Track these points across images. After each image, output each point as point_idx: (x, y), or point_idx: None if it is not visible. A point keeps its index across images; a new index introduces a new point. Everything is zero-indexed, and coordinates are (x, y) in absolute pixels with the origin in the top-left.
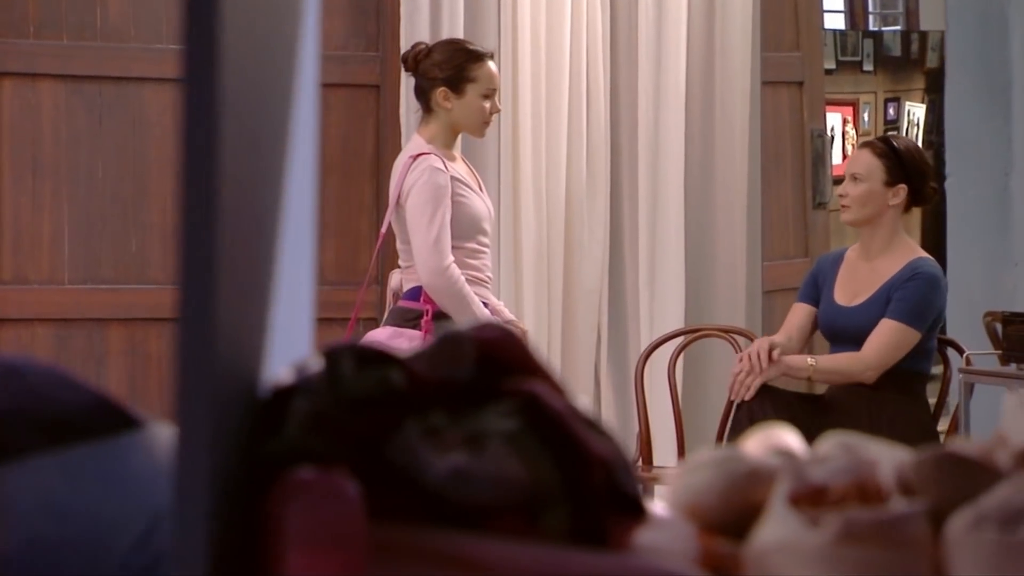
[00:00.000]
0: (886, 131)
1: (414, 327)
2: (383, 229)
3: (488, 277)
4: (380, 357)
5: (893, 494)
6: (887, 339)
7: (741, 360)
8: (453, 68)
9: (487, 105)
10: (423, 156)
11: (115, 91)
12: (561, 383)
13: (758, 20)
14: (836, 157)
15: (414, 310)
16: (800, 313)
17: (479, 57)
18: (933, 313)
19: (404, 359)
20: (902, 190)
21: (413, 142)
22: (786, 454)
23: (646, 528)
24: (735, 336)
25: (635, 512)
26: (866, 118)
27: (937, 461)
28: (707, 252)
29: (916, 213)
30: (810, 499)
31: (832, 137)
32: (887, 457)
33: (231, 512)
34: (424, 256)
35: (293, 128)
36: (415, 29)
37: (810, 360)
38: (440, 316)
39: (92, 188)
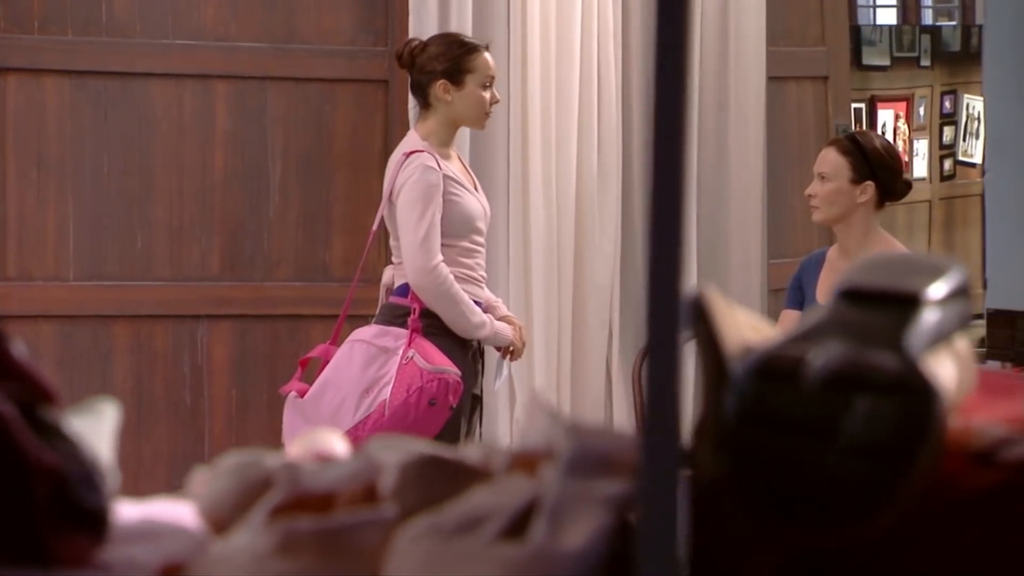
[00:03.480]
0: (941, 125)
1: (402, 324)
2: (375, 226)
3: (482, 276)
4: None
5: (385, 499)
6: None
7: None
8: (451, 60)
9: (486, 96)
10: (416, 154)
11: (120, 86)
12: (45, 386)
13: (765, 13)
14: None
15: (402, 307)
16: (789, 322)
17: (475, 48)
18: None
19: None
20: (869, 187)
21: (408, 139)
22: (289, 460)
23: (131, 541)
24: None
25: (96, 526)
26: (921, 112)
27: (422, 465)
28: (720, 249)
29: (974, 208)
30: (315, 505)
31: (883, 134)
32: (397, 460)
33: None
34: (411, 255)
35: None
36: (423, 24)
37: None
38: (428, 314)
39: (97, 184)
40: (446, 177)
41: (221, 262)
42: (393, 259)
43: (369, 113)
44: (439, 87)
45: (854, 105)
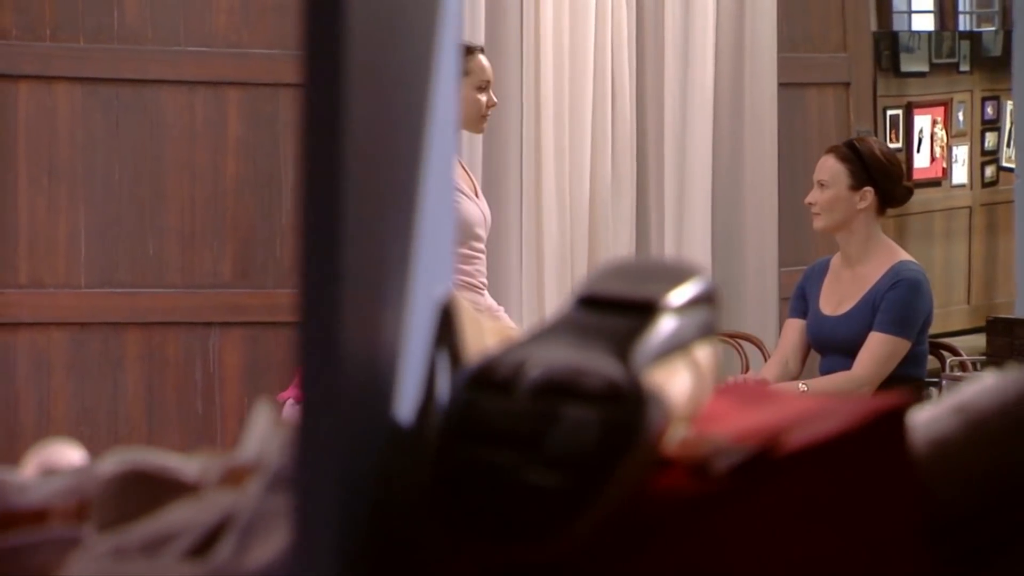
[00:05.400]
0: (983, 131)
1: None
2: None
3: (482, 283)
4: None
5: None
6: (878, 353)
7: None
8: None
9: (483, 99)
10: None
11: (132, 93)
12: None
13: (776, 20)
14: (923, 160)
15: None
16: (792, 331)
17: (469, 51)
18: (920, 318)
19: None
20: (869, 193)
21: None
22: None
23: None
24: (740, 341)
25: None
26: (960, 118)
27: (124, 479)
28: (736, 256)
29: None
30: (22, 522)
31: (920, 140)
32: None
33: None
34: None
35: None
36: None
37: (802, 386)
38: None
39: (109, 191)
40: None
41: (233, 269)
42: None
43: None
44: None
45: (890, 111)
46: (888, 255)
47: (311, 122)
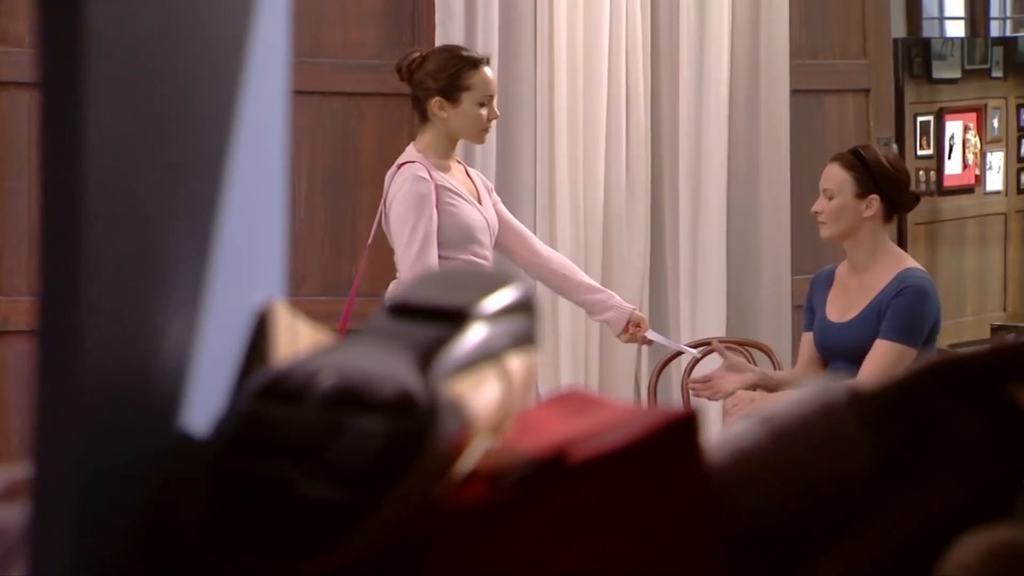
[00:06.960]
0: (1019, 137)
1: None
2: (370, 240)
3: None
4: None
5: None
6: (884, 360)
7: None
8: (447, 77)
9: (484, 112)
10: (407, 165)
11: None
12: None
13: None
14: (955, 167)
15: None
16: (809, 345)
17: (474, 64)
18: (926, 325)
19: None
20: (875, 201)
21: (405, 152)
22: None
23: None
24: (750, 349)
25: None
26: (995, 124)
27: None
28: (751, 264)
29: None
30: None
31: (951, 146)
32: None
33: None
34: (406, 268)
35: None
36: (450, 37)
37: None
38: None
39: None
40: (440, 187)
41: None
42: (397, 274)
43: (395, 127)
44: (435, 104)
45: (921, 118)
46: (894, 262)
47: (47, 121)
